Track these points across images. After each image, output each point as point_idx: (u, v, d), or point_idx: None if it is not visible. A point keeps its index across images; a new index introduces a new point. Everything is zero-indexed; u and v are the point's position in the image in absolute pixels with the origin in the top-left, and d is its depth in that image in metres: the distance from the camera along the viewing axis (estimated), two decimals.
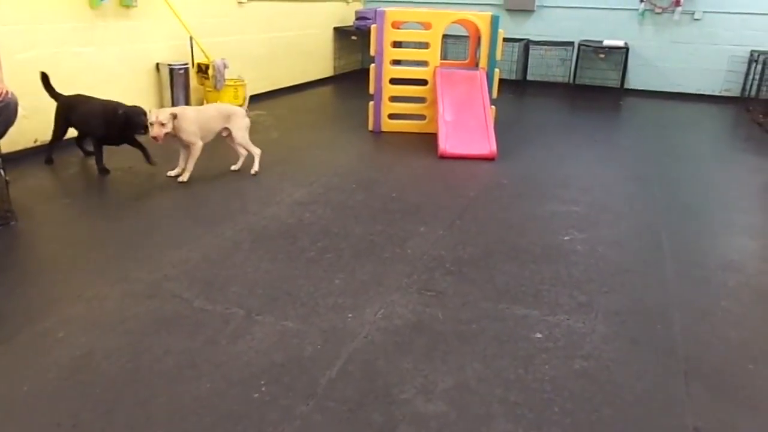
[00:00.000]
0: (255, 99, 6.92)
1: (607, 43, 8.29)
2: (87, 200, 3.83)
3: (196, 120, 4.16)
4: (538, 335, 2.45)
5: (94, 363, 2.18)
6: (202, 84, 6.08)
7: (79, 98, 4.37)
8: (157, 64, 5.71)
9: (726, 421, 1.99)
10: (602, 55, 8.50)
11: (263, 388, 2.07)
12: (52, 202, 3.76)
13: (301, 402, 2.01)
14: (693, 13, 8.05)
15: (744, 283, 2.97)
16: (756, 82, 7.43)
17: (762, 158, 5.29)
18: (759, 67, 7.39)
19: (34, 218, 3.52)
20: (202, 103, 6.16)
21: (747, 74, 7.84)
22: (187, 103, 5.85)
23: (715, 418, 2.00)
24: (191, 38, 5.86)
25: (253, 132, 5.79)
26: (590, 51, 8.49)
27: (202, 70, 5.97)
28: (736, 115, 7.42)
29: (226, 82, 6.11)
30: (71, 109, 4.32)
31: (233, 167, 4.51)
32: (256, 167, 4.46)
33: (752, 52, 7.80)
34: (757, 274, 3.09)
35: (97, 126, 4.22)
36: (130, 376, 2.11)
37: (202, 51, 5.91)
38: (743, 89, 7.92)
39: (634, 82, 8.52)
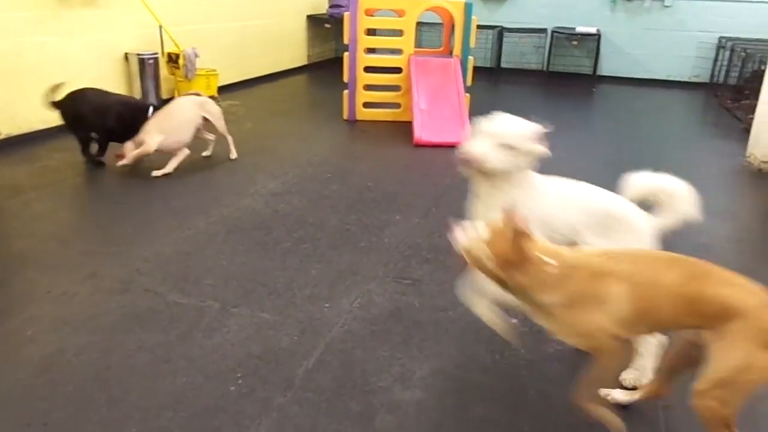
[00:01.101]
0: (227, 89, 6.83)
1: (579, 29, 8.34)
2: (55, 195, 3.74)
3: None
4: (514, 321, 2.46)
5: (65, 361, 2.14)
6: (173, 74, 5.97)
7: (85, 93, 4.14)
8: (126, 54, 5.59)
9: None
10: (575, 42, 8.55)
11: (240, 381, 2.05)
12: (19, 196, 3.67)
13: (279, 393, 1.99)
14: (663, 0, 8.14)
15: (714, 264, 3.01)
16: (724, 68, 7.55)
17: (730, 142, 5.39)
18: (727, 53, 7.51)
19: (0, 214, 3.43)
20: (173, 94, 6.06)
21: (715, 60, 7.97)
22: (158, 93, 5.73)
23: (683, 396, 2.03)
24: (161, 27, 5.75)
25: (227, 123, 5.72)
26: (563, 38, 8.54)
27: (173, 59, 5.86)
28: (705, 101, 7.54)
29: (198, 72, 6.01)
30: (81, 106, 4.08)
31: (205, 153, 4.46)
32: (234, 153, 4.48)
33: (720, 38, 7.92)
34: (725, 255, 3.15)
35: (111, 120, 4.08)
36: (103, 374, 2.07)
37: (172, 40, 5.80)
38: (712, 75, 8.05)
39: (606, 68, 8.60)
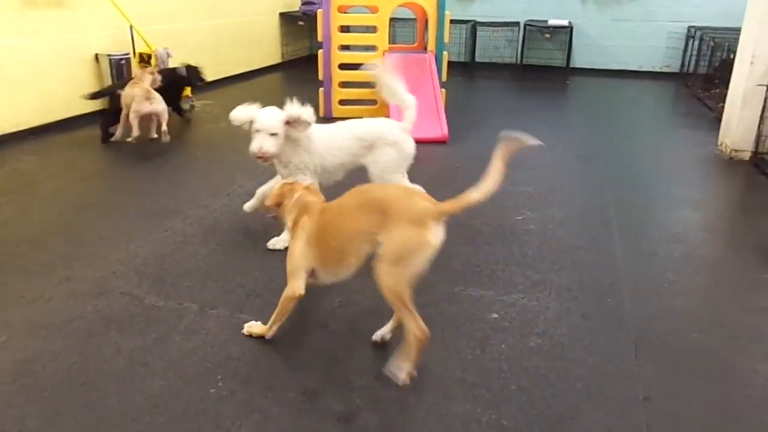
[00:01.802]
0: (202, 88, 6.74)
1: (552, 22, 8.41)
2: (26, 198, 3.66)
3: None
4: (494, 315, 2.48)
5: (40, 366, 2.10)
6: None
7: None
8: (96, 55, 5.49)
9: (674, 388, 2.06)
10: (548, 35, 8.61)
11: (220, 383, 2.03)
12: None
13: (259, 395, 1.98)
14: None
15: (688, 254, 3.07)
16: (694, 58, 7.67)
17: (701, 132, 5.48)
18: (696, 42, 7.62)
19: None
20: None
21: (685, 50, 8.09)
22: None
23: (663, 387, 2.07)
24: (131, 27, 5.65)
25: (201, 122, 5.67)
26: (536, 31, 8.60)
27: (144, 59, 5.76)
28: (676, 91, 7.66)
29: None
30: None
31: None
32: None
33: (689, 27, 8.04)
34: (699, 244, 3.21)
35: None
36: (79, 378, 2.04)
37: (143, 40, 5.71)
38: (682, 65, 8.17)
39: (579, 60, 8.68)
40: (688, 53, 7.96)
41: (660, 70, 8.47)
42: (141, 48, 5.76)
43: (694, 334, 2.38)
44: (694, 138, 5.38)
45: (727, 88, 4.92)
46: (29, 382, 2.02)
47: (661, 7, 8.23)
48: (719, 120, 5.02)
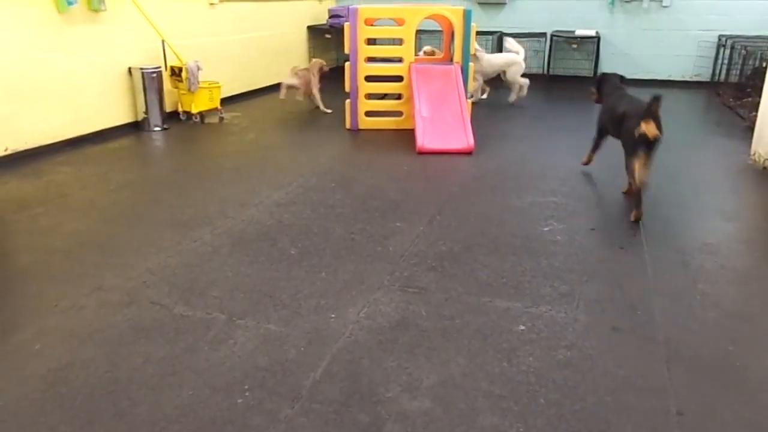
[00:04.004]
0: (230, 101, 6.86)
1: (579, 32, 8.35)
2: (61, 209, 3.76)
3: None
4: (521, 327, 2.46)
5: (73, 374, 2.14)
6: (176, 87, 6.00)
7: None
8: (130, 68, 5.62)
9: (708, 403, 2.01)
10: (575, 45, 8.56)
11: (247, 393, 2.05)
12: (26, 211, 3.69)
13: (286, 405, 1.99)
14: (661, 0, 8.14)
15: (721, 265, 3.01)
16: (725, 66, 7.54)
17: (733, 141, 5.37)
18: (727, 51, 7.50)
19: (7, 228, 3.44)
20: (177, 107, 6.10)
21: (716, 59, 7.95)
22: (161, 107, 5.76)
23: (697, 400, 2.03)
24: (163, 41, 5.78)
25: (229, 134, 5.76)
26: (563, 41, 8.55)
27: (176, 72, 5.89)
28: (707, 100, 7.53)
29: (200, 84, 6.03)
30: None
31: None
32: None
33: (720, 36, 7.91)
34: (732, 256, 3.14)
35: None
36: (110, 387, 2.07)
37: (175, 54, 5.83)
38: (713, 74, 8.03)
39: (606, 70, 8.55)
40: (719, 62, 7.83)
41: (690, 80, 8.34)
42: (172, 61, 5.89)
43: (729, 347, 2.32)
44: (726, 147, 5.27)
45: (759, 96, 4.82)
46: (62, 390, 2.06)
47: (691, 16, 8.12)
48: (752, 129, 4.92)
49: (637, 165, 3.52)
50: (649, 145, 3.49)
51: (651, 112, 3.48)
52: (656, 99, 3.45)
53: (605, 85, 4.31)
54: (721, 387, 2.10)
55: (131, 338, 2.36)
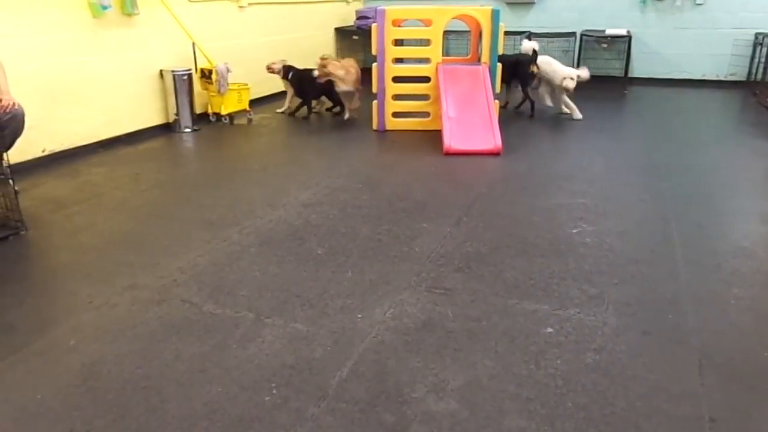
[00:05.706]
0: (259, 102, 6.94)
1: (609, 32, 8.22)
2: (96, 209, 3.85)
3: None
4: (549, 330, 2.44)
5: (106, 370, 2.19)
6: (206, 89, 6.09)
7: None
8: (161, 71, 5.72)
9: (742, 410, 1.97)
10: (605, 45, 8.43)
11: (274, 391, 2.07)
12: (62, 210, 3.78)
13: (312, 404, 2.01)
14: None
15: (756, 269, 2.94)
16: (762, 65, 7.35)
17: None
18: (764, 50, 7.30)
19: (44, 227, 3.54)
20: (207, 109, 6.18)
21: (752, 58, 7.76)
22: (191, 108, 5.85)
23: (730, 407, 1.98)
24: (194, 44, 5.87)
25: (258, 135, 5.82)
26: (593, 41, 8.43)
27: (206, 75, 5.98)
28: (742, 100, 7.35)
29: (230, 86, 6.11)
30: None
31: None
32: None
33: (756, 34, 7.71)
34: None
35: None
36: (141, 382, 2.12)
37: (205, 56, 5.92)
38: (749, 73, 7.83)
39: (638, 70, 8.45)
40: (756, 61, 7.63)
41: (725, 79, 8.15)
42: (202, 64, 5.98)
43: (765, 353, 2.27)
44: (763, 149, 5.14)
45: None
46: (96, 385, 2.11)
47: (726, 14, 7.93)
48: None
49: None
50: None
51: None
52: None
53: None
54: (755, 394, 2.05)
55: (162, 335, 2.41)
